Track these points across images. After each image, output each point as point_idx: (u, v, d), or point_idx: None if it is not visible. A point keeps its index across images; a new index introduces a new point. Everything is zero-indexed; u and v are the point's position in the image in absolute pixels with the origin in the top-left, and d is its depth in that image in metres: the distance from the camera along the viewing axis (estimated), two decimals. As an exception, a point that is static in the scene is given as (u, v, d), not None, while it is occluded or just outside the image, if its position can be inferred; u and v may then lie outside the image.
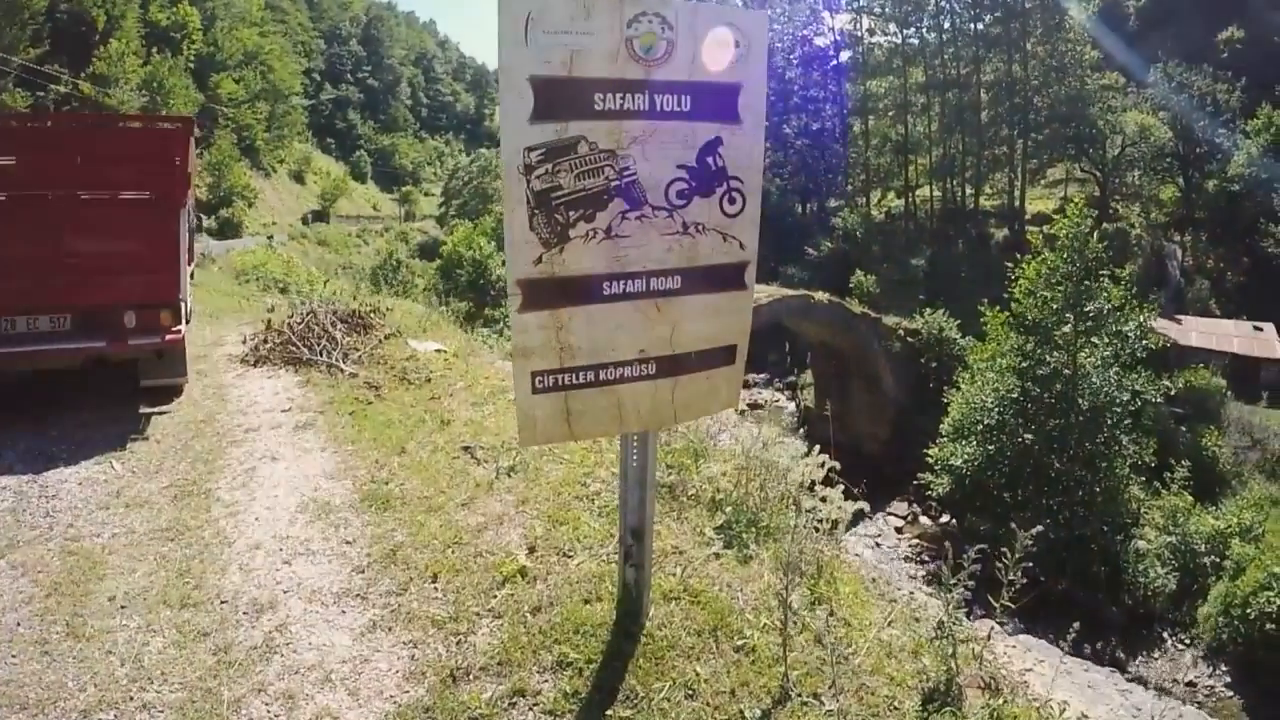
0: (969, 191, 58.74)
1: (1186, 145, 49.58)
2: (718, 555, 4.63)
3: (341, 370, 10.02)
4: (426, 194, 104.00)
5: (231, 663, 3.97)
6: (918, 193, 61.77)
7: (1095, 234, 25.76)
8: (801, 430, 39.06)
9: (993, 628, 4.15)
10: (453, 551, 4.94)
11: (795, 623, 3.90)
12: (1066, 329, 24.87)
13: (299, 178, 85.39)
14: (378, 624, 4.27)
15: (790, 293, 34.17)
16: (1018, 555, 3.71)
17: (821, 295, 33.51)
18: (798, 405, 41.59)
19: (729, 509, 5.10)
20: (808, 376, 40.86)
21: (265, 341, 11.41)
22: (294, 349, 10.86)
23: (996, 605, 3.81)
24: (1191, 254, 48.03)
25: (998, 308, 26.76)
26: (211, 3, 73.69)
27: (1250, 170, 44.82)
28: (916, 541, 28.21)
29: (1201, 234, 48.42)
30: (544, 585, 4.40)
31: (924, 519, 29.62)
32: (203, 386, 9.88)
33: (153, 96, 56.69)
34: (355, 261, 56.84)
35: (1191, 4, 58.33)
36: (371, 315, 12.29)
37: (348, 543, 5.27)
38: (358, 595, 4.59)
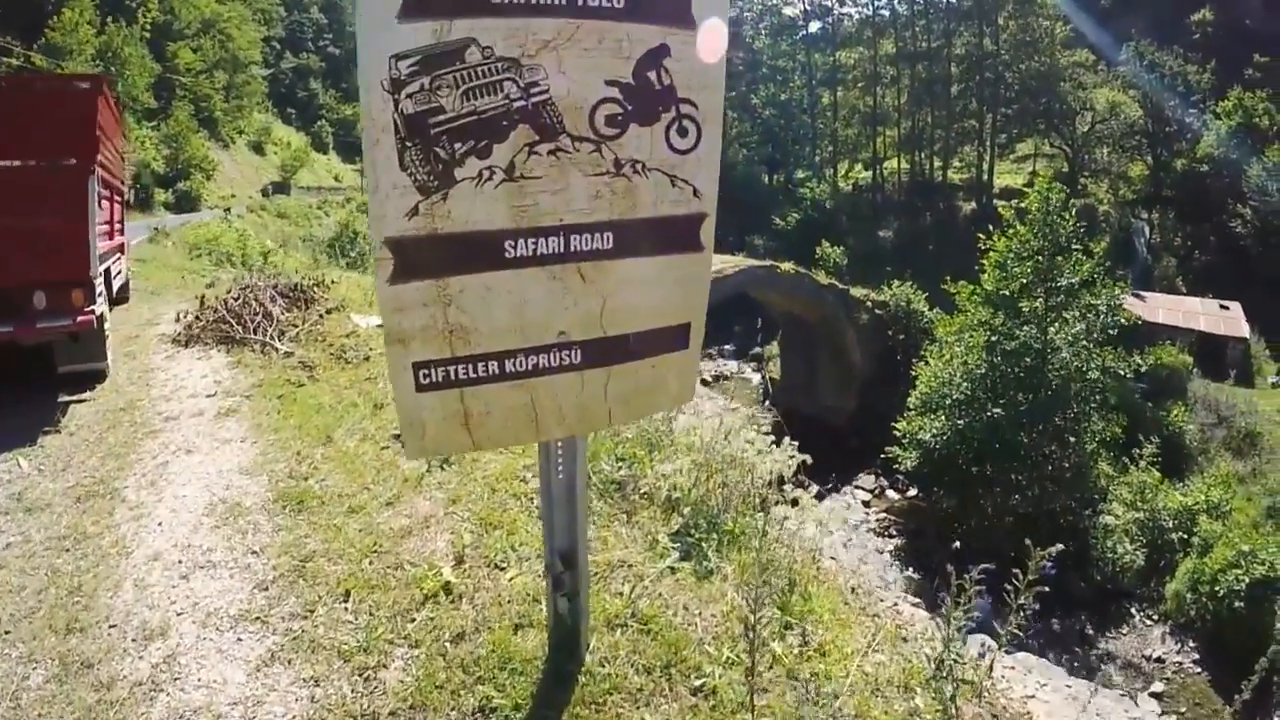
0: (937, 165, 58.61)
1: (1156, 124, 49.61)
2: (673, 569, 3.94)
3: (276, 349, 9.54)
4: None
5: (113, 702, 3.41)
6: (886, 165, 61.55)
7: (1069, 209, 25.36)
8: (766, 402, 38.84)
9: (993, 655, 3.59)
10: (370, 562, 4.29)
11: (764, 655, 3.29)
12: (1037, 303, 24.48)
13: (259, 149, 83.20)
14: (277, 655, 3.63)
15: (756, 263, 33.61)
16: (1030, 577, 3.13)
17: (788, 265, 32.93)
18: (763, 377, 41.14)
19: (687, 510, 4.45)
20: (774, 348, 40.37)
21: (199, 320, 10.88)
22: (227, 327, 10.38)
23: (1003, 633, 3.23)
24: (1159, 232, 48.09)
25: (963, 282, 26.36)
26: None
27: (1219, 151, 44.92)
28: (884, 515, 27.86)
29: (1169, 212, 48.43)
30: (470, 606, 3.75)
31: (891, 492, 29.30)
32: (129, 370, 9.34)
33: (108, 67, 54.59)
34: (315, 234, 55.45)
35: (1164, -16, 58.11)
36: (314, 289, 11.86)
37: (254, 552, 4.62)
38: (258, 618, 3.94)
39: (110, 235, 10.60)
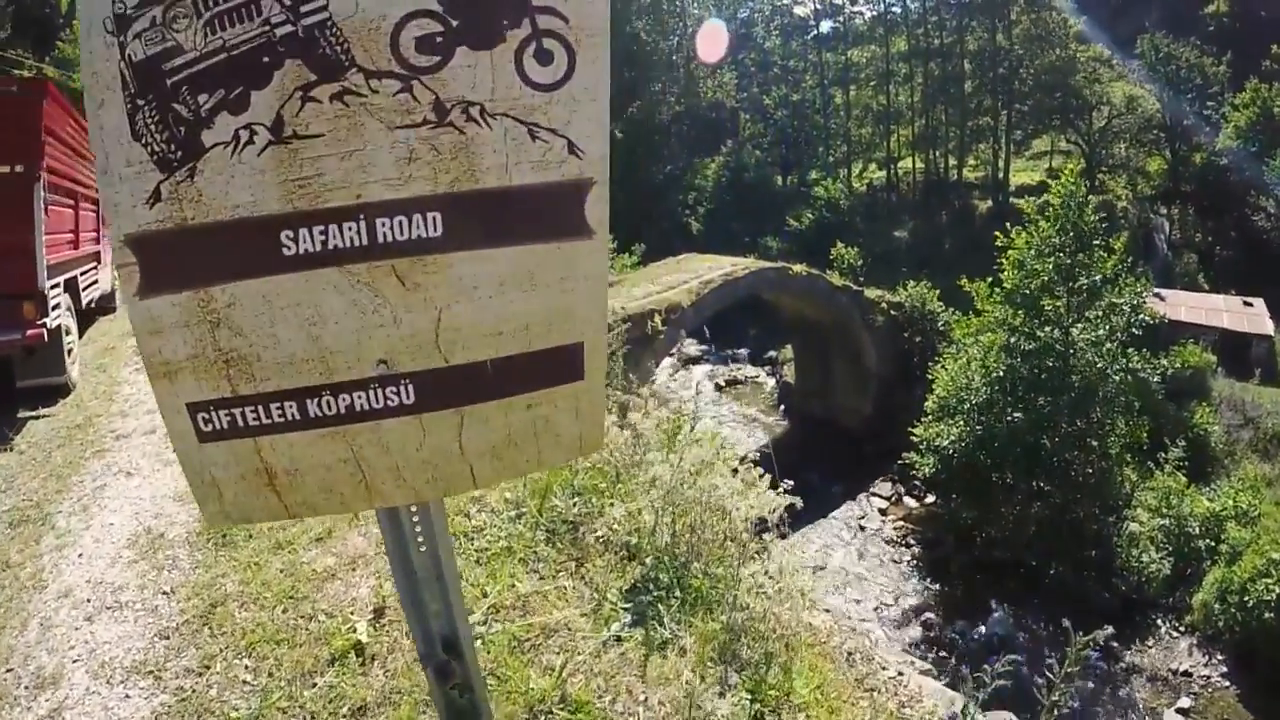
0: (952, 163, 57.79)
1: (1173, 118, 48.63)
2: (620, 639, 3.30)
3: None
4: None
5: (-12, 759, 3.03)
6: (900, 165, 60.71)
7: (1089, 203, 24.66)
8: (781, 407, 38.20)
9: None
10: (283, 610, 3.76)
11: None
12: (1059, 303, 23.74)
13: None
14: (161, 718, 3.11)
15: (767, 264, 32.92)
16: (1069, 668, 2.56)
17: (799, 267, 32.20)
18: (778, 381, 40.49)
19: (649, 560, 3.79)
20: (788, 351, 39.68)
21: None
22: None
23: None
24: (1179, 228, 47.17)
25: (979, 281, 25.68)
26: None
27: (1238, 144, 44.01)
28: (901, 523, 27.16)
29: (1189, 207, 47.48)
30: (380, 672, 3.21)
31: (909, 499, 28.56)
32: (95, 384, 9.14)
33: None
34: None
35: (1178, -25, 57.20)
36: None
37: (165, 593, 4.15)
38: (152, 672, 3.49)
39: (75, 244, 10.21)
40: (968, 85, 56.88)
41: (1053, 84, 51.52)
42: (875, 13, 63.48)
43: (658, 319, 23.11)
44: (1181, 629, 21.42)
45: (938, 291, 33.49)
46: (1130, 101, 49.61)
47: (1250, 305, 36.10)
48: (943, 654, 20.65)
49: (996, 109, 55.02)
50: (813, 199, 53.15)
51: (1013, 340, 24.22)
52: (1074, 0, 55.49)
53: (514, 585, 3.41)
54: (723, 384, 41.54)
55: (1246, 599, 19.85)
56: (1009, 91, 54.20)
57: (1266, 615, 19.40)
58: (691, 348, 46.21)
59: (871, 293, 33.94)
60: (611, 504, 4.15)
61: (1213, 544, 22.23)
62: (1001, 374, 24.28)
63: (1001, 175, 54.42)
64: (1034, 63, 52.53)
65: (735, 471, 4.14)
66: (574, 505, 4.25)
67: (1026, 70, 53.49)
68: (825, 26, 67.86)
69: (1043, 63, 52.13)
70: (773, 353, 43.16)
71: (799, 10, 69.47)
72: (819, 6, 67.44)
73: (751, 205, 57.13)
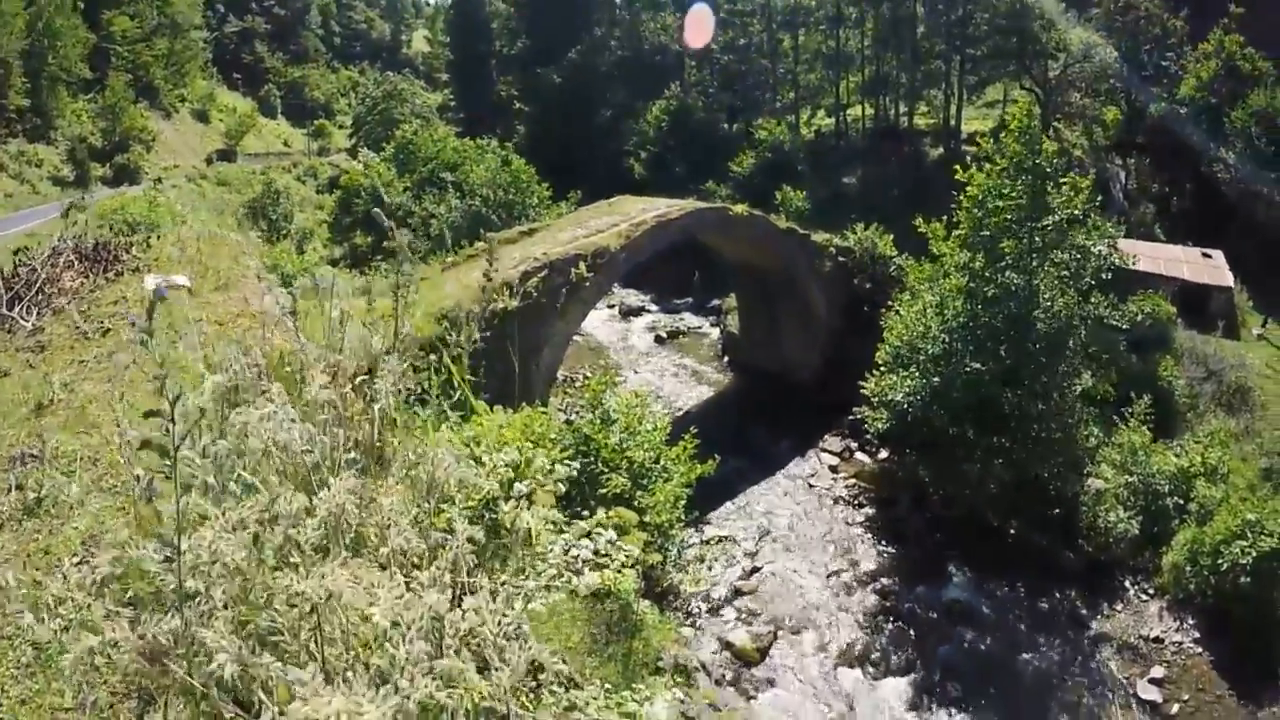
0: (903, 110, 56.29)
1: (1131, 68, 47.53)
2: None
3: (21, 322, 7.94)
4: (340, 126, 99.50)
5: None
6: (849, 112, 59.10)
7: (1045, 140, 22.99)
8: (725, 359, 36.37)
9: None
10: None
11: None
12: (1021, 244, 22.01)
13: (203, 116, 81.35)
14: None
15: (705, 205, 30.84)
16: None
17: (741, 208, 30.14)
18: (722, 332, 38.65)
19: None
20: (732, 300, 37.77)
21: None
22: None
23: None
24: (1135, 178, 46.12)
25: (935, 221, 23.92)
26: None
27: (1199, 95, 43.05)
28: (853, 481, 25.50)
29: (1145, 159, 46.45)
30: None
31: (861, 455, 26.93)
32: None
33: (39, 39, 54.19)
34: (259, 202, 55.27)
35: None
36: (121, 249, 9.87)
37: None
38: None
39: None
40: (920, 28, 55.20)
41: (1009, 28, 49.97)
42: (826, -47, 61.25)
43: (583, 265, 21.08)
44: (1151, 592, 20.10)
45: (891, 238, 31.81)
46: (1088, 49, 48.26)
47: (1209, 257, 35.10)
48: (900, 624, 19.07)
49: (949, 53, 53.41)
50: (758, 142, 51.16)
51: (972, 285, 22.51)
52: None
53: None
54: (664, 336, 39.64)
55: (1220, 561, 18.56)
56: (963, 35, 52.61)
57: (1242, 579, 18.11)
58: (632, 298, 44.26)
59: (819, 237, 32.12)
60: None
61: (1181, 502, 20.97)
62: (960, 322, 22.60)
63: (954, 123, 53.03)
64: (989, 3, 50.89)
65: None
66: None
67: (980, 14, 51.92)
68: (773, -31, 65.46)
69: (998, 6, 50.50)
70: (717, 301, 41.35)
71: (747, -48, 66.96)
72: (768, -52, 65.00)
73: (696, 150, 55.27)
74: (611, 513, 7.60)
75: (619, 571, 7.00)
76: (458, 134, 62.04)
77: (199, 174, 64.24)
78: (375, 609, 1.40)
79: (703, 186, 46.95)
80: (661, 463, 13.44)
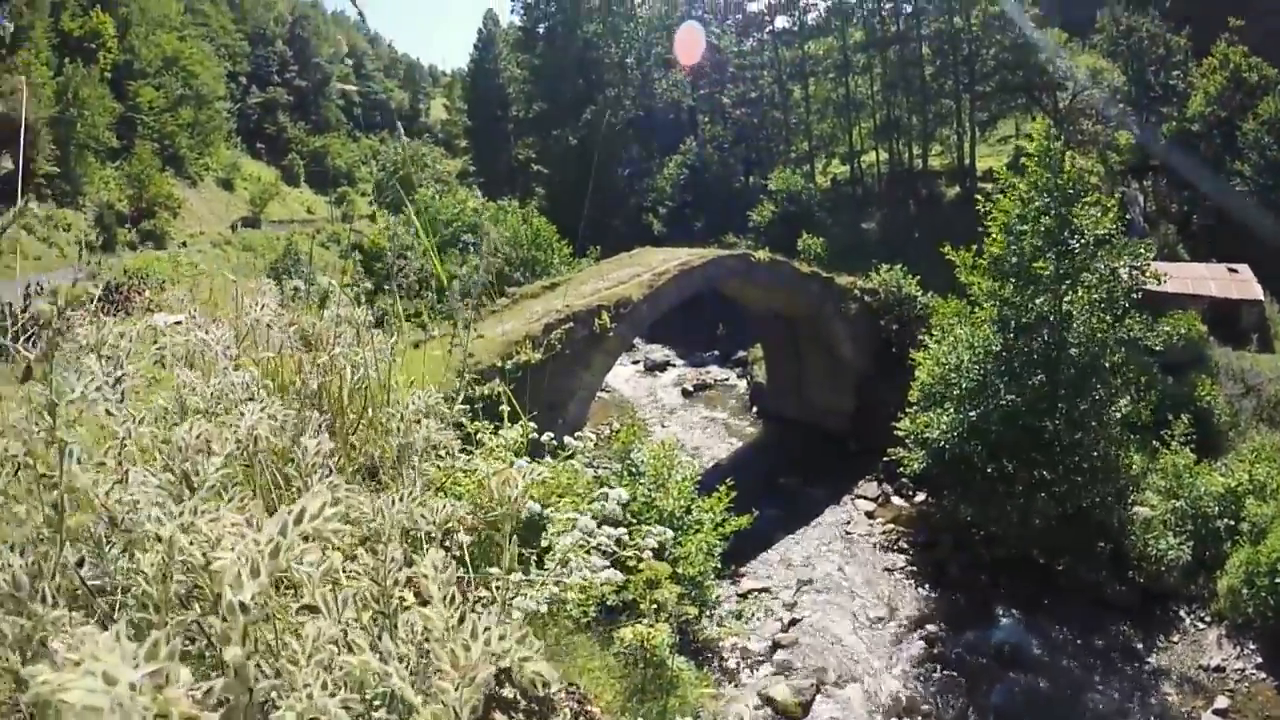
0: (916, 152, 56.47)
1: (1139, 88, 47.55)
2: None
3: (24, 353, 7.03)
4: (362, 194, 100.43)
5: None
6: (863, 158, 59.43)
7: (1066, 158, 22.95)
8: (754, 410, 36.13)
9: None
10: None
11: None
12: (1049, 269, 21.80)
13: (227, 185, 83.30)
14: None
15: (727, 253, 30.90)
16: None
17: (764, 253, 30.20)
18: (749, 382, 38.45)
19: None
20: (758, 350, 37.63)
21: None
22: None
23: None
24: (1153, 199, 45.88)
25: (962, 249, 23.73)
26: (126, 9, 70.64)
27: (1209, 110, 42.91)
28: (891, 526, 25.04)
29: (1162, 179, 46.24)
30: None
31: (897, 499, 26.48)
32: None
33: (67, 108, 55.50)
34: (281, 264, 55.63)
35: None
36: (134, 291, 10.03)
37: None
38: None
39: None
40: (928, 70, 55.60)
41: (1014, 62, 50.28)
42: (830, 3, 62.11)
43: (605, 315, 21.12)
44: (1208, 619, 19.45)
45: (916, 278, 31.70)
46: (1095, 74, 48.39)
47: (1236, 271, 34.61)
48: (948, 671, 18.47)
49: (958, 91, 53.65)
50: (773, 193, 51.48)
51: (1004, 312, 22.31)
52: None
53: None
54: (691, 389, 39.50)
55: (1278, 580, 17.94)
56: (970, 72, 52.93)
57: (1302, 597, 17.52)
58: (656, 353, 44.30)
59: (843, 280, 32.05)
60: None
61: (1232, 523, 20.31)
62: (994, 352, 22.34)
63: (967, 161, 53.04)
64: (994, 40, 51.31)
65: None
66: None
67: (986, 50, 52.30)
68: (780, 23, 66.39)
69: (1002, 41, 50.91)
70: (742, 353, 41.26)
71: (752, 7, 68.22)
72: (772, 2, 65.97)
73: (713, 203, 55.79)
74: (643, 564, 7.42)
75: (652, 626, 6.87)
76: (479, 198, 62.94)
77: (224, 240, 65.94)
78: (221, 555, 0.98)
79: (722, 239, 47.17)
80: (693, 513, 13.31)
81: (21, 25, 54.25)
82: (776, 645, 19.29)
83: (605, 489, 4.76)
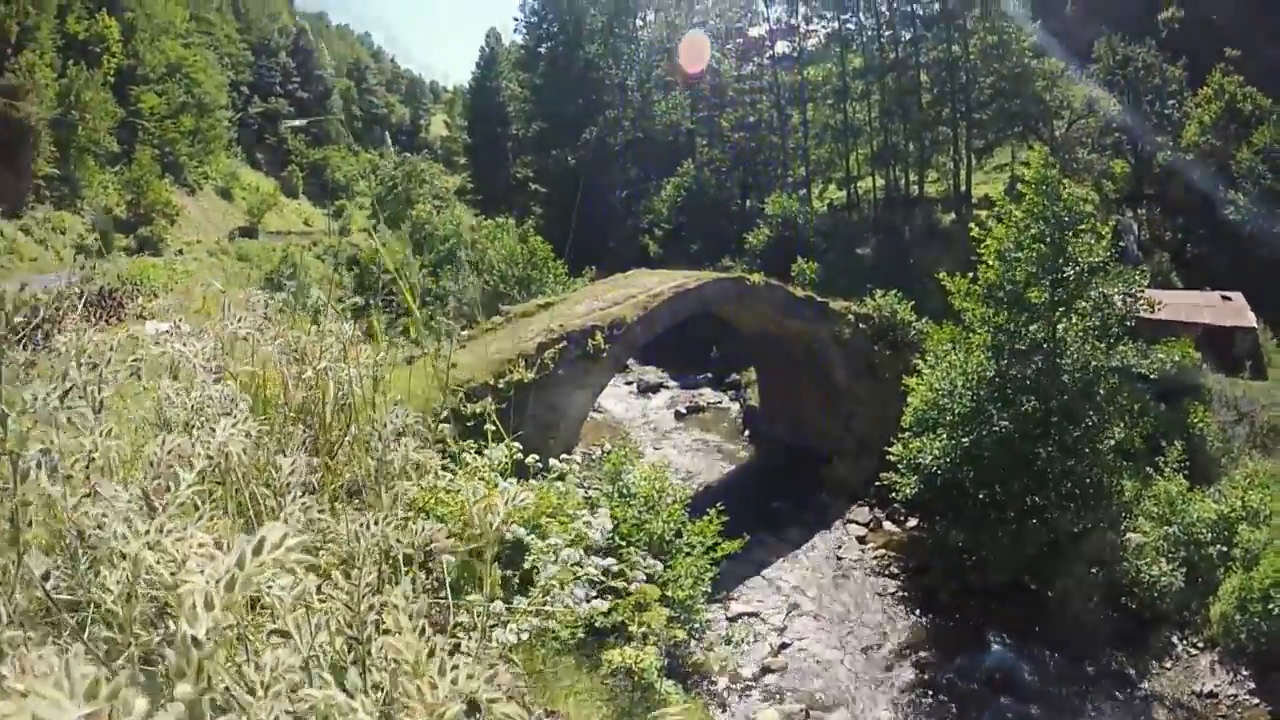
0: (912, 178, 56.87)
1: (1134, 118, 47.97)
2: None
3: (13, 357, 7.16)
4: (361, 207, 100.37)
5: None
6: (860, 184, 59.81)
7: (1063, 185, 23.09)
8: (746, 433, 36.07)
9: None
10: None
11: None
12: (1043, 296, 21.89)
13: (226, 194, 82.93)
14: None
15: (723, 276, 30.92)
16: None
17: (758, 277, 30.20)
18: (742, 405, 38.42)
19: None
20: (752, 373, 37.61)
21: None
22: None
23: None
24: (1147, 228, 46.25)
25: (959, 275, 23.79)
26: (132, 14, 70.69)
27: (1204, 139, 43.32)
28: (882, 551, 24.97)
29: (1156, 207, 46.62)
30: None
31: (889, 525, 26.42)
32: None
33: (69, 110, 55.21)
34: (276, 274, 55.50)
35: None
36: (126, 296, 10.13)
37: None
38: None
39: None
40: (925, 96, 56.01)
41: (1012, 90, 50.68)
42: (830, 30, 62.55)
43: (600, 336, 21.11)
44: (1200, 645, 19.45)
45: (911, 304, 31.78)
46: (1091, 104, 48.83)
47: (1229, 299, 34.87)
48: (940, 698, 18.39)
49: (955, 119, 54.04)
50: (770, 217, 51.63)
51: (998, 338, 22.38)
52: (1028, 10, 55.22)
53: None
54: (684, 411, 39.42)
55: (1270, 606, 18.01)
56: (967, 100, 53.36)
57: (1294, 623, 17.51)
58: (650, 375, 44.25)
59: (837, 304, 32.09)
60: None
61: (1225, 549, 20.37)
62: (988, 376, 22.40)
63: (963, 188, 53.35)
64: (991, 68, 51.75)
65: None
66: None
67: (984, 78, 52.75)
68: (781, 48, 66.83)
69: (1000, 69, 51.34)
70: (736, 376, 41.25)
71: (753, 32, 68.57)
72: (773, 27, 66.56)
73: (710, 227, 55.87)
74: (633, 587, 7.37)
75: (640, 649, 6.82)
76: (476, 215, 63.27)
77: (220, 249, 65.72)
78: (188, 577, 0.94)
79: (717, 262, 47.27)
80: (684, 536, 13.28)
81: (28, 26, 54.17)
82: (766, 670, 19.17)
83: (589, 516, 4.71)
